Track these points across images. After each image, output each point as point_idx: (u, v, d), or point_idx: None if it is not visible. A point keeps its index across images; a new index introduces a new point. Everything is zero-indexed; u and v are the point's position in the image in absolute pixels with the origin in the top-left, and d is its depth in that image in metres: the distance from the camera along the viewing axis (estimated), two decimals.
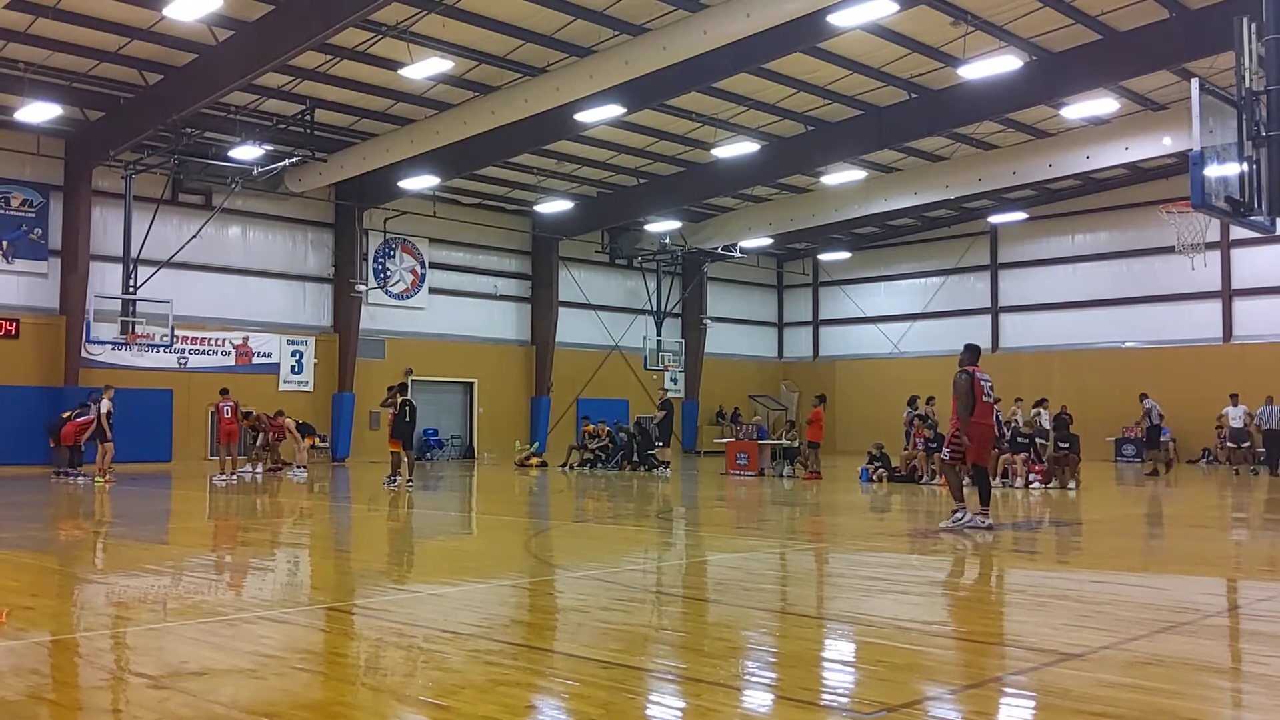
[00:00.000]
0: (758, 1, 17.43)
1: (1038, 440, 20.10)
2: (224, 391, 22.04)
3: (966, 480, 11.91)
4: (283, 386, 27.81)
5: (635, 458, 25.74)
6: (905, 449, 21.70)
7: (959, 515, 11.54)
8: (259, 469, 22.65)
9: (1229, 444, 25.45)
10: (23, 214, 24.25)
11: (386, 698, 4.76)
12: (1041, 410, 22.91)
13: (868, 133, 25.20)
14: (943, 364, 34.37)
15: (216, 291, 26.96)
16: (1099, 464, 28.00)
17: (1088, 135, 25.29)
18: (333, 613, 6.86)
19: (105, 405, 19.80)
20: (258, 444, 23.18)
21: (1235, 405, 24.59)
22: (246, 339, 27.41)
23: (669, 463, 25.45)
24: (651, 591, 7.96)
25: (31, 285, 24.36)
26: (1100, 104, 22.93)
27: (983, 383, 11.54)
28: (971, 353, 11.93)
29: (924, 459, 20.50)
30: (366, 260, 29.46)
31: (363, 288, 28.66)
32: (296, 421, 23.46)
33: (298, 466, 22.58)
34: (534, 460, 28.19)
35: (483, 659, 5.38)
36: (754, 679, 5.20)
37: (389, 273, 30.28)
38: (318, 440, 26.15)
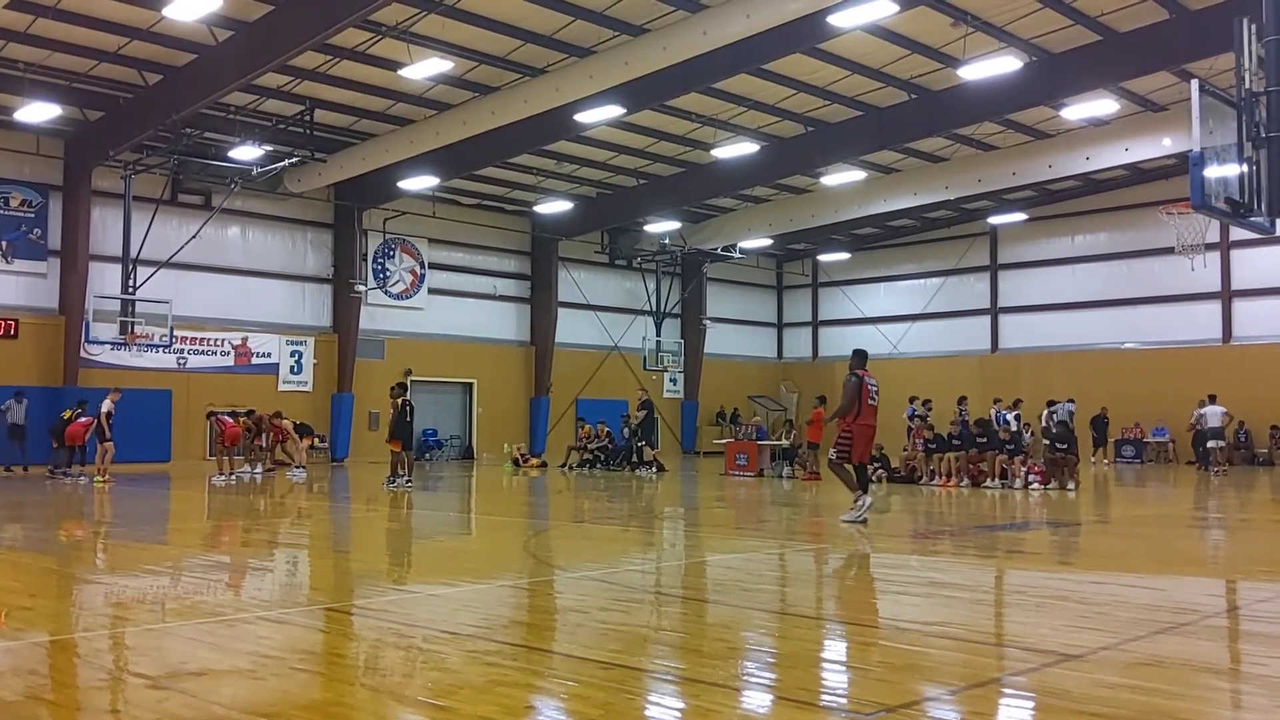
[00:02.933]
0: (758, 2, 17.43)
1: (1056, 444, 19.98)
2: (210, 415, 22.63)
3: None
4: (282, 387, 27.81)
5: (634, 458, 25.70)
6: (905, 449, 21.70)
7: (860, 502, 12.10)
8: (258, 469, 22.64)
9: (1210, 442, 24.92)
10: (22, 214, 24.24)
11: (385, 698, 4.76)
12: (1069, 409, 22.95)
13: (868, 133, 25.19)
14: (943, 365, 34.84)
15: (216, 292, 26.93)
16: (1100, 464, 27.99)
17: (1087, 136, 25.29)
18: (332, 613, 6.86)
19: (107, 405, 19.80)
20: (257, 444, 23.15)
21: (1213, 404, 24.56)
22: (246, 339, 27.40)
23: (656, 463, 25.39)
24: (650, 592, 7.96)
25: (31, 285, 24.35)
26: (1100, 105, 22.93)
27: (870, 386, 12.36)
28: (859, 357, 12.75)
29: (924, 460, 20.50)
30: (366, 260, 29.46)
31: (362, 288, 28.66)
32: (295, 422, 23.45)
33: (296, 467, 22.56)
34: (534, 460, 28.17)
35: (482, 659, 5.38)
36: (753, 679, 5.20)
37: (388, 273, 30.27)
38: (316, 440, 26.12)
